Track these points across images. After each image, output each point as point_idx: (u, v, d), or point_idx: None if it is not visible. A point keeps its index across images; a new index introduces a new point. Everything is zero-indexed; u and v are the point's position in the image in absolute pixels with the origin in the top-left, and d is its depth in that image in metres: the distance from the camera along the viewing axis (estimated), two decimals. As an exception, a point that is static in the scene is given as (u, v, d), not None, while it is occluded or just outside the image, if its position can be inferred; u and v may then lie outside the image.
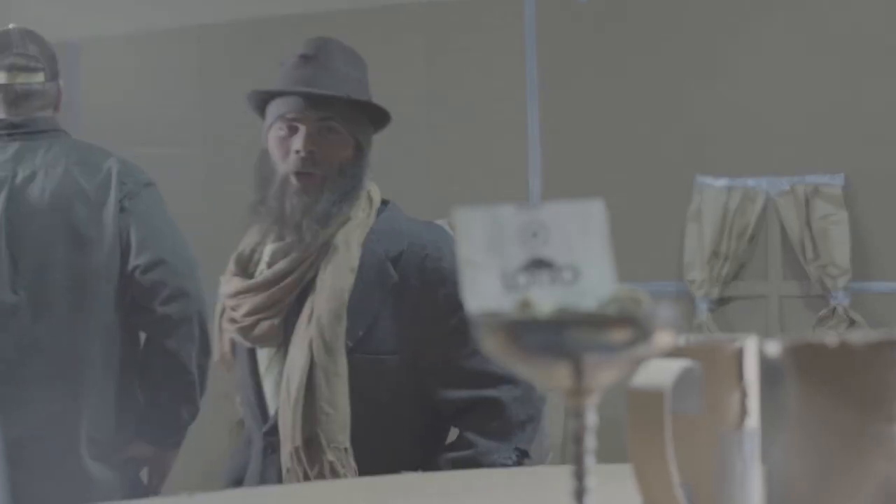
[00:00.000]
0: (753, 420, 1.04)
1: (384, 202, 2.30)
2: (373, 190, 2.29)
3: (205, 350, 2.74)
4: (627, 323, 0.77)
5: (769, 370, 0.85)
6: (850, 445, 0.85)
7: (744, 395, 1.03)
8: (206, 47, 4.84)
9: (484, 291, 0.83)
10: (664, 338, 0.78)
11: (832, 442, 0.85)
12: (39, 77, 2.80)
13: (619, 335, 0.77)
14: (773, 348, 0.85)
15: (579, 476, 0.81)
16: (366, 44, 4.49)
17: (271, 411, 2.21)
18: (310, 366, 2.12)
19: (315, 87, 2.21)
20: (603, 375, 0.79)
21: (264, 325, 2.19)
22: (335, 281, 2.16)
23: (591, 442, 0.81)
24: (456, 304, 2.08)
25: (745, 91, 4.28)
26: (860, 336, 0.85)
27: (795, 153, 4.21)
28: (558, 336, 0.77)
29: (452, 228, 2.58)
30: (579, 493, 0.81)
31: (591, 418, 0.81)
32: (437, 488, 1.55)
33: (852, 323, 4.09)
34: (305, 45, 2.26)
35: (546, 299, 0.81)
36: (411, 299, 2.17)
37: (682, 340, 1.03)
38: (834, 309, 4.13)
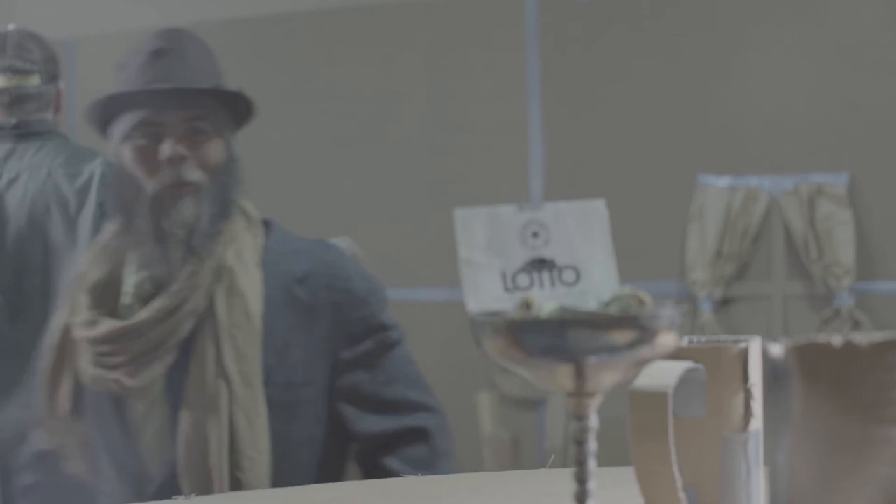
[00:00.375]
0: (757, 422, 1.03)
1: (264, 221, 2.03)
2: (247, 205, 2.00)
3: None
4: (630, 324, 0.76)
5: (773, 372, 0.84)
6: (854, 448, 0.84)
7: (748, 396, 1.02)
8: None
9: (484, 292, 0.82)
10: (667, 339, 0.78)
11: (837, 444, 0.84)
12: (35, 80, 2.79)
13: (622, 336, 0.76)
14: (778, 349, 0.84)
15: (581, 479, 0.80)
16: (366, 44, 4.51)
17: (152, 470, 1.90)
18: (228, 407, 1.86)
19: (177, 83, 1.90)
20: (605, 377, 0.78)
21: (153, 370, 1.87)
22: (243, 305, 1.89)
23: (592, 444, 0.80)
24: (370, 328, 1.98)
25: (748, 90, 4.27)
26: (865, 337, 0.84)
27: (799, 152, 4.21)
28: (560, 337, 0.76)
29: (349, 249, 2.48)
30: (581, 496, 0.80)
31: (593, 420, 0.80)
32: (438, 490, 1.54)
33: (857, 324, 4.08)
34: (156, 39, 1.95)
35: (547, 300, 0.80)
36: (323, 322, 1.94)
37: (684, 341, 1.02)
38: (838, 310, 4.12)
